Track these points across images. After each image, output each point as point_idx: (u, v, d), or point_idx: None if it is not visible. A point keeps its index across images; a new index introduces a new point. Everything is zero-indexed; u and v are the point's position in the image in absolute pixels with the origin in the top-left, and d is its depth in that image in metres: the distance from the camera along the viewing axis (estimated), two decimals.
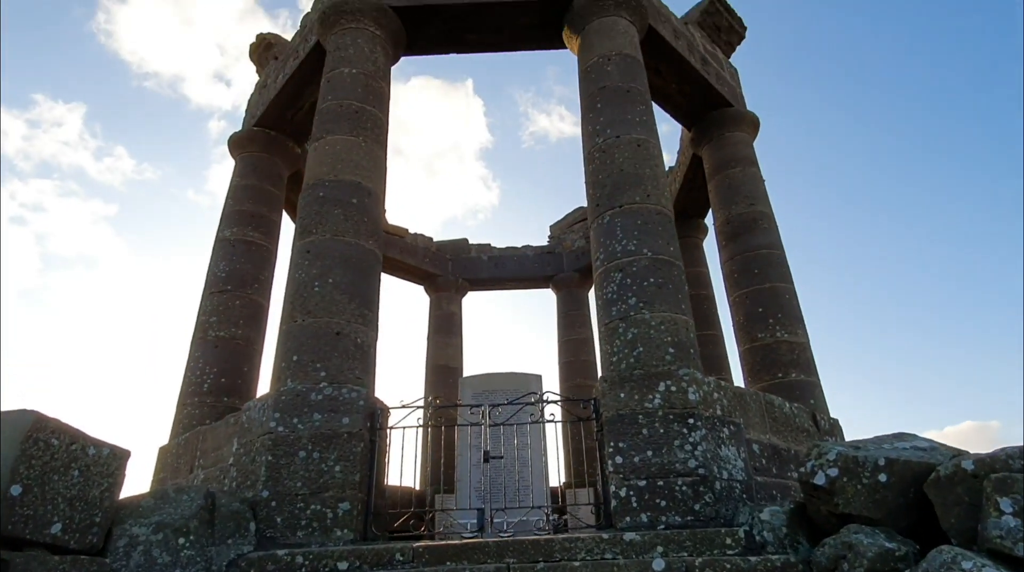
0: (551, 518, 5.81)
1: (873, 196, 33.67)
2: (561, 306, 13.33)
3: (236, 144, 8.79)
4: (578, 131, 6.87)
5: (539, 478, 7.87)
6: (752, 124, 8.91)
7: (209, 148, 38.37)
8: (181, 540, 3.87)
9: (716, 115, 8.80)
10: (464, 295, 13.56)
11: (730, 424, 5.05)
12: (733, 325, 7.93)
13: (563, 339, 13.00)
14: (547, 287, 13.75)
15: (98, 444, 3.67)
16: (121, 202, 35.89)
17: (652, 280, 5.39)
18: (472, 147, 39.24)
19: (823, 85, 35.57)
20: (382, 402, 5.28)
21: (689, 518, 4.43)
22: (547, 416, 5.56)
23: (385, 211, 6.38)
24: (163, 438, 7.42)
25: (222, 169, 38.82)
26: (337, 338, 5.21)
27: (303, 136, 9.05)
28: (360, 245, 5.71)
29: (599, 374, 12.81)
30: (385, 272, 12.26)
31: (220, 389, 7.28)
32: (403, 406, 5.19)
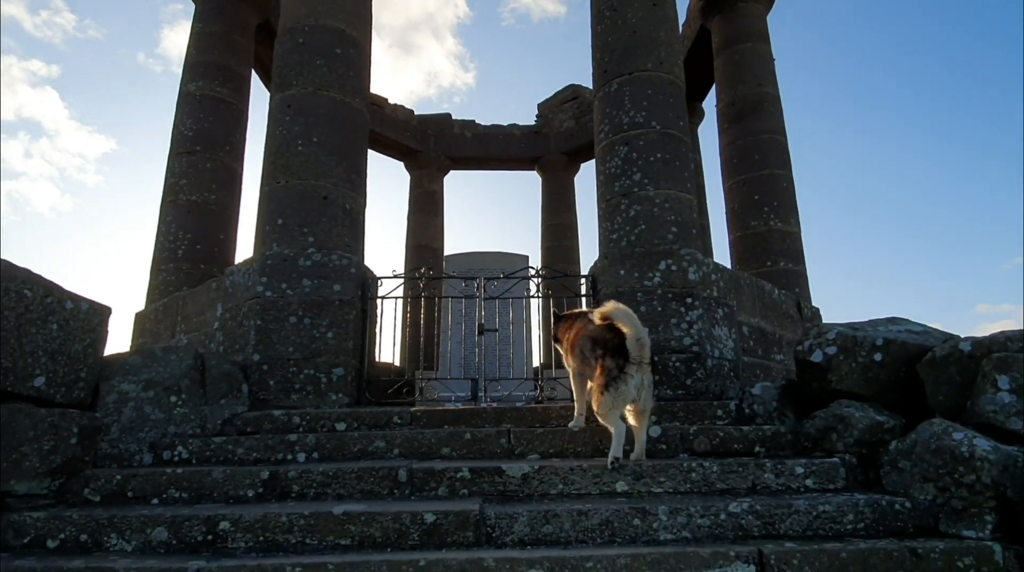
0: (532, 394, 5.95)
1: (882, 89, 32.71)
2: (546, 189, 12.98)
3: None
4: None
5: (523, 355, 8.03)
6: None
7: (159, 6, 34.52)
8: (173, 398, 3.78)
9: None
10: (446, 174, 13.04)
11: (724, 305, 5.06)
12: (726, 212, 7.81)
13: (547, 223, 12.80)
14: (532, 169, 13.29)
15: (75, 298, 3.43)
16: (64, 63, 32.68)
17: (659, 155, 5.11)
18: (449, 20, 36.15)
19: None
20: (372, 271, 5.10)
21: (680, 392, 4.53)
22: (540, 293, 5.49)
23: (370, 67, 5.79)
24: (135, 306, 7.20)
25: (174, 32, 35.18)
26: (324, 203, 4.89)
27: None
28: (347, 103, 5.21)
29: (581, 259, 12.79)
30: None
31: (195, 256, 6.97)
32: (396, 276, 5.02)
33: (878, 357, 3.75)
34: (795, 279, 7.14)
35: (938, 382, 3.51)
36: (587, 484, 3.13)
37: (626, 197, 5.08)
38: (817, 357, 3.82)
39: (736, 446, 3.64)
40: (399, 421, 3.96)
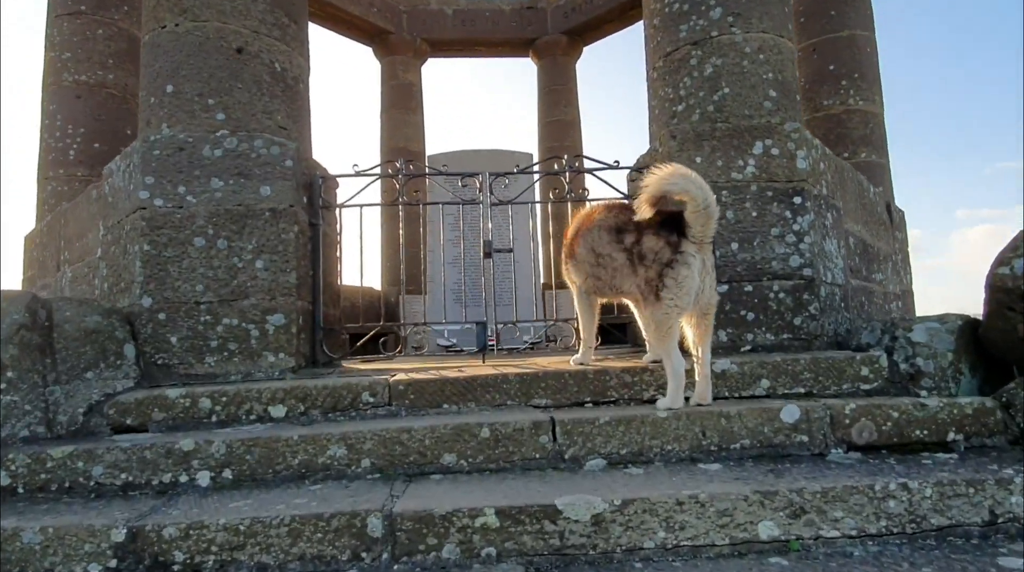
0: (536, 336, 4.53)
1: None
2: (543, 79, 10.97)
3: None
4: None
5: (528, 279, 6.54)
6: None
7: None
8: None
9: None
10: (424, 61, 10.94)
11: (833, 208, 3.55)
12: None
13: (544, 120, 10.91)
14: (526, 55, 11.19)
15: None
16: None
17: None
18: None
19: None
20: (324, 168, 3.45)
21: (786, 336, 3.10)
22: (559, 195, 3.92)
23: None
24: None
25: None
26: (239, 59, 3.14)
27: None
28: None
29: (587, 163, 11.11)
30: (317, 23, 9.42)
31: (94, 157, 5.19)
32: (358, 174, 3.39)
33: None
34: (879, 174, 5.61)
35: None
36: (708, 528, 1.74)
37: (698, 46, 3.39)
38: None
39: (918, 433, 2.26)
40: (371, 400, 2.50)
